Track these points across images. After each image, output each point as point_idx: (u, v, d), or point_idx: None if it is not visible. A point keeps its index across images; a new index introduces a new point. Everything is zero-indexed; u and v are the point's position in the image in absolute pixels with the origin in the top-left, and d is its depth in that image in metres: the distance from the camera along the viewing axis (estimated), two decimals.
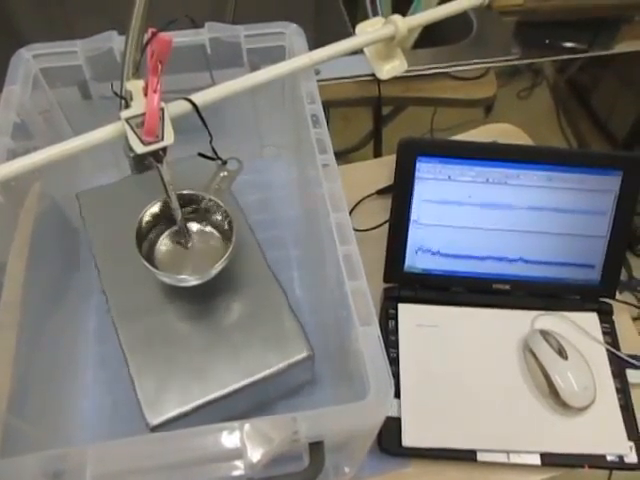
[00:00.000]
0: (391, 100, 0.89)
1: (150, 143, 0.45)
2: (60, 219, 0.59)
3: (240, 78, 0.49)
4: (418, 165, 0.60)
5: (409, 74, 0.80)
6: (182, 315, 0.50)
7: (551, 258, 0.62)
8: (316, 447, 0.37)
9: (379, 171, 0.76)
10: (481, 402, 0.56)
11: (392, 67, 0.60)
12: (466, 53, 0.84)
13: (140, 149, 0.45)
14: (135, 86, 0.44)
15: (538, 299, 0.63)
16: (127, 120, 0.45)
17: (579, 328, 0.61)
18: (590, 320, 0.62)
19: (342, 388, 0.50)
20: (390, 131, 1.06)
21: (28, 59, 0.54)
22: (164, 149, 0.46)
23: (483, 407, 0.56)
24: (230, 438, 0.33)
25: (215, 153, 0.51)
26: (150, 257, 0.49)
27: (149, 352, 0.48)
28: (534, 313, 0.62)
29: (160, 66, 0.43)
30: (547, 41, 0.92)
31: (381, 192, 0.74)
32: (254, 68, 0.64)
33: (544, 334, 0.59)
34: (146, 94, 0.44)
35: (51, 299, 0.54)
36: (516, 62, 0.84)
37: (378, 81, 0.84)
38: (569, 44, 0.91)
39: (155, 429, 0.44)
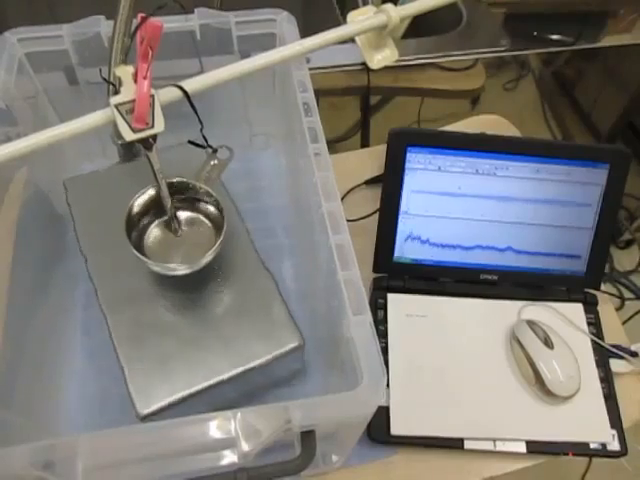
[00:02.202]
0: (380, 90, 0.89)
1: (140, 130, 0.45)
2: (46, 207, 0.58)
3: (231, 65, 0.49)
4: (408, 155, 0.60)
5: (398, 64, 0.80)
6: (172, 304, 0.49)
7: (538, 249, 0.63)
8: (307, 436, 0.37)
9: (367, 161, 0.76)
10: (468, 391, 0.57)
11: (383, 57, 0.59)
12: (455, 44, 0.84)
13: (130, 136, 0.45)
14: (124, 72, 0.43)
15: (525, 290, 0.64)
16: (116, 106, 0.44)
17: (565, 318, 0.62)
18: (575, 311, 0.63)
19: (333, 378, 0.50)
20: (377, 122, 1.05)
21: (13, 43, 0.53)
22: (154, 136, 0.46)
23: (470, 396, 0.57)
24: (223, 427, 0.33)
25: (206, 141, 0.50)
26: (139, 246, 0.49)
27: (139, 341, 0.47)
28: (521, 303, 0.63)
29: (150, 52, 0.42)
30: (535, 33, 0.92)
31: (370, 182, 0.74)
32: (244, 56, 0.63)
33: (530, 324, 0.59)
34: (136, 80, 0.44)
35: (37, 288, 0.53)
36: (504, 53, 0.84)
37: (368, 70, 0.84)
38: (556, 37, 0.91)
39: (145, 419, 0.44)
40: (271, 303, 0.50)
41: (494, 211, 0.62)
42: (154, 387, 0.45)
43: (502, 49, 0.82)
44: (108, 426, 0.34)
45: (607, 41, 0.95)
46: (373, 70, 0.85)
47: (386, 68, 0.87)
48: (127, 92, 0.44)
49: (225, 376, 0.46)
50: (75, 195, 0.54)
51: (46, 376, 0.52)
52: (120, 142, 0.56)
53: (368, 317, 0.37)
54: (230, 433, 0.33)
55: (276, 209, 0.64)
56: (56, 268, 0.57)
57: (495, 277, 0.63)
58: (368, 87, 0.86)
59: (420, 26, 0.84)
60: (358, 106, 1.05)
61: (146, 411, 0.43)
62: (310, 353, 0.51)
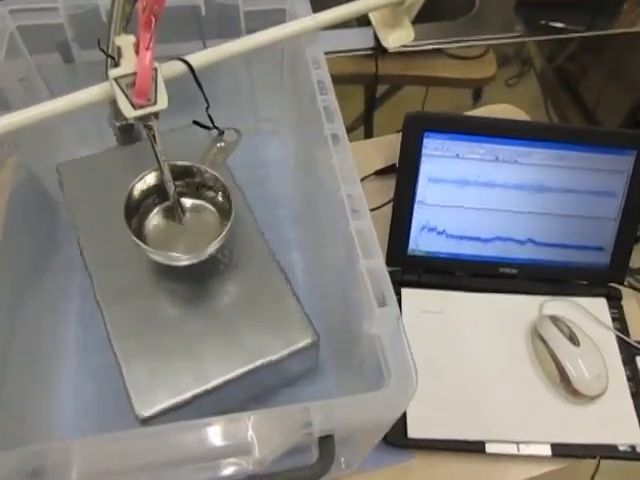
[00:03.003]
0: (389, 78, 0.85)
1: (141, 107, 0.41)
2: (39, 193, 0.54)
3: (239, 39, 0.45)
4: (425, 141, 0.57)
5: (409, 49, 0.77)
6: (175, 298, 0.46)
7: (560, 240, 0.60)
8: (326, 440, 0.33)
9: (376, 152, 0.73)
10: (489, 391, 0.54)
11: (399, 36, 0.56)
12: (467, 30, 0.81)
13: (130, 113, 0.41)
14: (125, 42, 0.40)
15: (545, 284, 0.61)
16: (116, 80, 0.40)
17: (588, 314, 0.59)
18: (599, 306, 0.60)
19: (348, 377, 0.47)
20: (378, 114, 1.02)
21: (4, 15, 0.49)
22: (156, 114, 0.42)
23: (491, 396, 0.54)
24: (236, 432, 0.30)
25: (212, 122, 0.47)
26: (139, 234, 0.45)
27: (138, 337, 0.44)
28: (541, 298, 0.60)
29: (154, 20, 0.39)
30: (547, 21, 0.89)
31: (380, 173, 0.70)
32: None
33: (554, 320, 0.56)
34: (137, 52, 0.40)
35: (29, 280, 0.49)
36: (517, 40, 0.81)
37: (376, 57, 0.81)
38: (570, 23, 0.88)
39: (145, 422, 0.40)
40: (282, 296, 0.46)
41: (514, 201, 0.59)
42: (155, 387, 0.41)
43: (516, 35, 0.79)
44: (105, 429, 0.31)
45: (621, 28, 0.91)
46: (382, 57, 0.82)
47: (396, 55, 0.84)
48: (128, 64, 0.40)
49: (233, 375, 0.42)
50: (69, 180, 0.51)
51: (38, 374, 0.49)
52: (118, 124, 0.53)
53: (395, 309, 0.34)
54: (244, 438, 0.29)
55: (283, 199, 0.60)
56: (49, 258, 0.54)
57: (514, 271, 0.60)
58: (376, 75, 0.82)
59: (432, 12, 0.81)
60: (371, 95, 1.01)
61: (146, 413, 0.40)
62: (322, 350, 0.48)
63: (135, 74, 0.40)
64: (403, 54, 0.83)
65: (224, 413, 0.31)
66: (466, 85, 0.86)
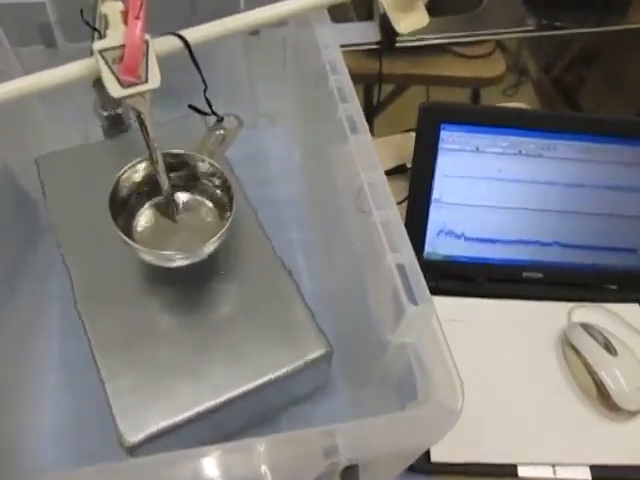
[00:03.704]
0: (393, 77, 0.81)
1: (130, 85, 0.36)
2: (16, 190, 0.49)
3: (241, 14, 0.41)
4: (442, 134, 0.52)
5: (416, 44, 0.73)
6: (168, 305, 0.40)
7: (589, 241, 0.55)
8: (350, 471, 0.28)
9: (383, 151, 0.68)
10: (518, 407, 0.48)
11: (412, 21, 0.51)
12: (475, 25, 0.77)
13: (118, 92, 0.36)
14: (112, 9, 0.35)
15: (573, 289, 0.56)
16: (101, 53, 0.35)
17: (621, 320, 0.54)
18: (632, 312, 0.55)
19: (364, 393, 0.41)
20: (378, 116, 0.97)
21: None
22: (148, 94, 0.37)
23: (521, 413, 0.48)
24: (245, 462, 0.24)
25: (210, 106, 0.42)
26: (128, 232, 0.39)
27: (125, 351, 0.38)
28: (570, 305, 0.55)
29: None
30: (555, 17, 0.86)
31: (389, 173, 0.66)
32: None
33: (586, 327, 0.51)
34: (126, 21, 0.35)
35: (3, 286, 0.44)
36: (529, 34, 0.77)
37: (380, 54, 0.77)
38: (581, 18, 0.85)
39: (133, 449, 0.34)
40: (289, 303, 0.41)
41: (539, 199, 0.54)
42: (144, 409, 0.36)
43: (528, 29, 0.75)
44: (86, 457, 0.25)
45: (632, 22, 0.88)
46: (386, 55, 0.78)
47: (400, 53, 0.80)
48: (115, 35, 0.35)
49: (235, 393, 0.37)
50: (49, 175, 0.45)
51: (12, 393, 0.43)
52: (105, 114, 0.48)
53: (431, 309, 0.29)
54: (255, 471, 0.24)
55: (286, 198, 0.55)
56: (27, 261, 0.48)
57: (540, 275, 0.56)
58: (380, 73, 0.78)
59: (440, 6, 0.77)
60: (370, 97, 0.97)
61: (134, 439, 0.34)
62: (333, 364, 0.42)
63: (123, 47, 0.35)
64: (408, 51, 0.79)
65: (224, 438, 0.25)
66: (474, 85, 0.82)
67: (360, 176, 0.33)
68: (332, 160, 0.40)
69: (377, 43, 0.71)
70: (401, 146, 0.68)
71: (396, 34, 0.66)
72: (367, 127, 0.36)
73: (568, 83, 1.66)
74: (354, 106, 0.37)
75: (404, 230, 0.31)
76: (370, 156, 0.34)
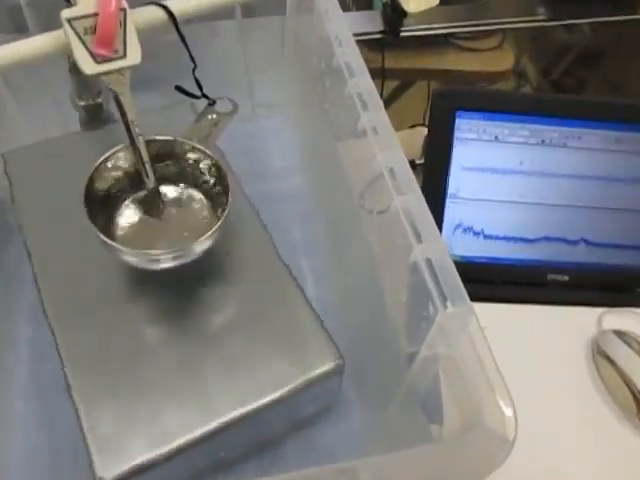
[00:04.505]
0: (397, 72, 0.77)
1: (105, 60, 0.31)
2: None
3: None
4: (457, 122, 0.47)
5: (422, 33, 0.68)
6: (154, 314, 0.35)
7: (619, 240, 0.51)
8: None
9: None
10: (546, 428, 0.43)
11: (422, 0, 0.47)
12: (483, 13, 0.73)
13: (91, 68, 0.31)
14: None
15: (602, 293, 0.51)
16: (70, 22, 0.30)
17: None
18: None
19: (380, 413, 0.36)
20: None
21: None
22: (126, 71, 0.32)
23: (549, 435, 0.43)
24: None
25: (200, 88, 0.37)
26: (107, 231, 0.34)
27: (103, 370, 0.33)
28: (599, 310, 0.50)
29: None
30: (566, 6, 0.82)
31: None
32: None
33: (620, 335, 0.47)
34: None
35: None
36: (540, 23, 0.73)
37: (382, 47, 0.72)
38: (589, 9, 0.81)
39: None
40: (293, 309, 0.35)
41: (564, 193, 0.49)
42: (125, 438, 0.30)
43: (541, 18, 0.71)
44: None
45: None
46: (389, 49, 0.73)
47: (405, 46, 0.76)
48: (87, 2, 0.30)
49: (231, 417, 0.31)
50: (18, 171, 0.40)
51: None
52: (83, 103, 0.43)
53: (471, 311, 0.23)
54: None
55: (287, 194, 0.50)
56: None
57: (566, 277, 0.51)
58: (383, 67, 0.73)
59: None
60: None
61: (111, 475, 0.28)
62: (346, 378, 0.37)
63: (96, 15, 0.30)
64: (412, 45, 0.75)
65: (219, 469, 0.20)
66: (482, 80, 0.78)
67: (377, 158, 0.28)
68: (340, 147, 0.35)
69: (380, 33, 0.66)
70: (408, 142, 0.63)
71: (401, 22, 0.62)
72: (381, 103, 0.31)
73: (568, 87, 1.63)
74: (365, 81, 0.32)
75: (431, 219, 0.26)
76: (388, 136, 0.29)
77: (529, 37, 0.98)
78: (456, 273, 0.25)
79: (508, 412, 0.20)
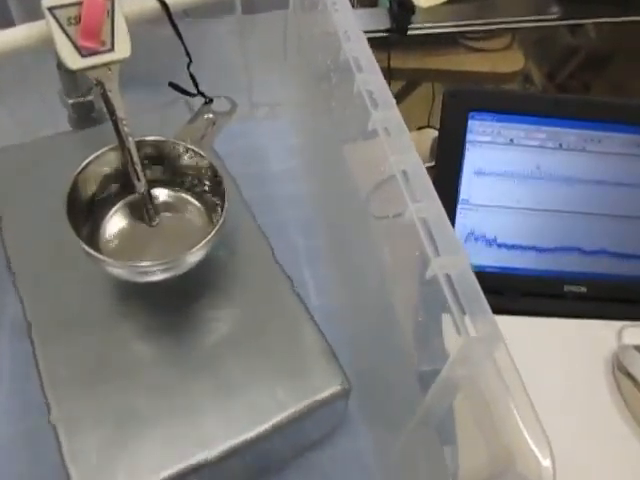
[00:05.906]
0: (404, 73, 0.74)
1: (91, 53, 0.29)
2: None
3: None
4: (470, 124, 0.45)
5: (430, 31, 0.66)
6: (141, 332, 0.32)
7: (639, 250, 0.48)
8: None
9: None
10: (563, 448, 0.40)
11: None
12: (493, 12, 0.70)
13: (75, 62, 0.29)
14: None
15: (622, 305, 0.48)
16: (52, 11, 0.28)
17: None
18: None
19: (389, 438, 0.33)
20: None
21: None
22: (114, 65, 0.29)
23: (566, 455, 0.40)
24: None
25: (195, 85, 0.34)
26: (93, 241, 0.31)
27: (87, 392, 0.30)
28: (619, 324, 0.48)
29: None
30: (576, 5, 0.79)
31: None
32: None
33: None
34: None
35: None
36: (552, 23, 0.71)
37: (388, 47, 0.70)
38: (600, 8, 0.78)
39: None
40: (296, 326, 0.33)
41: (583, 200, 0.47)
42: (110, 467, 0.27)
43: (548, 18, 0.68)
44: None
45: None
46: (395, 49, 0.71)
47: (412, 45, 0.73)
48: None
49: (229, 445, 0.28)
50: (3, 172, 0.37)
51: None
52: (72, 101, 0.40)
53: (497, 332, 0.21)
54: None
55: (288, 199, 0.47)
56: None
57: (583, 289, 0.48)
58: (389, 67, 0.71)
59: None
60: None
61: None
62: (352, 402, 0.34)
63: (81, 3, 0.28)
64: (419, 45, 0.73)
65: None
66: (492, 81, 0.75)
67: (389, 160, 0.26)
68: (347, 149, 0.32)
69: (387, 31, 0.64)
70: (416, 145, 0.61)
71: (409, 19, 0.60)
72: (394, 101, 0.28)
73: (573, 90, 1.61)
74: (376, 77, 0.29)
75: (451, 228, 0.23)
76: (401, 137, 0.27)
77: (535, 40, 0.96)
78: (480, 292, 0.22)
79: (545, 463, 0.18)
